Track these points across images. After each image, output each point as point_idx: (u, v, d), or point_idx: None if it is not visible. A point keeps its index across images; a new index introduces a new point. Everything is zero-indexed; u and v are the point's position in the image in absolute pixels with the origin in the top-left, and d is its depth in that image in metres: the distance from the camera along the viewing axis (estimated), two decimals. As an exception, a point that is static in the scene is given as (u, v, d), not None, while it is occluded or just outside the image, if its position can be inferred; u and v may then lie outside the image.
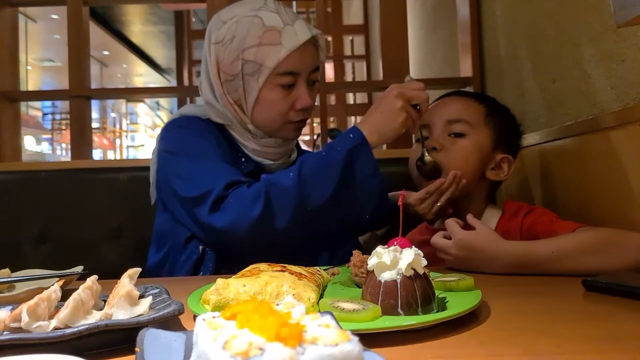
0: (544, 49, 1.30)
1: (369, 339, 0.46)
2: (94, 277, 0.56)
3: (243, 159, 1.06)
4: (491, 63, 1.65)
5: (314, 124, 5.10)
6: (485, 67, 1.69)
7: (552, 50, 1.25)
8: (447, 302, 0.58)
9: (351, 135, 0.92)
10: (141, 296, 0.59)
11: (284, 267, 0.66)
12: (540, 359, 0.44)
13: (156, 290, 0.60)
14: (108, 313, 0.50)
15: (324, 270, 0.79)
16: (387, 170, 1.55)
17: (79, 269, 0.83)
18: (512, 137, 1.12)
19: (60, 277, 0.76)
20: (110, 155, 12.79)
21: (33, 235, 1.34)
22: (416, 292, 0.53)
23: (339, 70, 4.96)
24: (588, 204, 1.08)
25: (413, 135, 1.23)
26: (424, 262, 0.56)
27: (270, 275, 0.62)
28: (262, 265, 0.67)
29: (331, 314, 0.46)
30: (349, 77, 5.56)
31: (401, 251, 0.56)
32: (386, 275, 0.55)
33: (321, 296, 0.65)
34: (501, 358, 0.45)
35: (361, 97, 4.79)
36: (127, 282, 0.54)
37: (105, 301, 0.56)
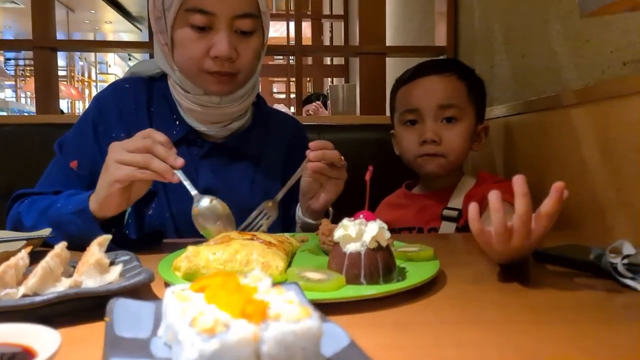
0: (516, 23, 1.31)
1: (333, 308, 0.49)
2: (63, 244, 0.57)
3: (177, 122, 1.01)
4: (465, 33, 1.66)
5: (290, 82, 5.03)
6: (459, 37, 1.70)
7: (524, 25, 1.27)
8: (407, 272, 0.62)
9: (80, 198, 0.84)
10: (111, 263, 0.60)
11: (254, 235, 0.68)
12: (486, 327, 0.48)
13: (126, 257, 0.62)
14: (77, 280, 0.52)
15: (293, 237, 0.81)
16: (360, 136, 1.58)
17: (46, 232, 0.83)
18: (484, 104, 1.17)
19: (26, 240, 0.76)
20: (79, 107, 12.30)
21: (-1, 190, 1.32)
22: (378, 263, 0.57)
23: (317, 30, 4.87)
24: (544, 178, 1.13)
25: (395, 115, 1.22)
26: (388, 234, 0.59)
27: (240, 243, 0.64)
28: (233, 233, 0.69)
29: (297, 284, 0.49)
30: (327, 38, 5.47)
31: (366, 224, 0.59)
32: (351, 247, 0.58)
33: (290, 264, 0.67)
34: (451, 325, 0.49)
35: (339, 59, 4.74)
36: (96, 250, 0.55)
37: (74, 267, 0.57)
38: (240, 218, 0.90)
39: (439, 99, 1.09)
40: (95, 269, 0.52)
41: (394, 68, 1.90)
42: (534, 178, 1.18)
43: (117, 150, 0.78)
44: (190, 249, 0.62)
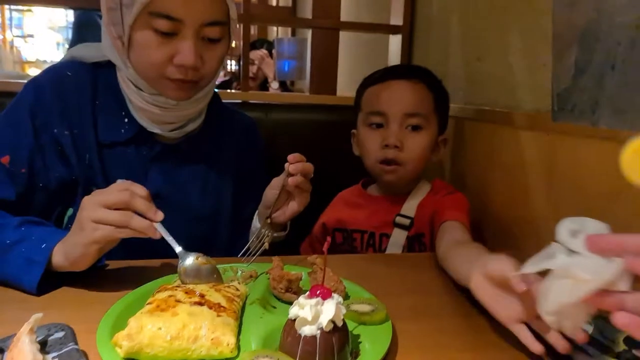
0: (474, 23, 1.28)
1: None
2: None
3: (126, 120, 0.93)
4: (422, 17, 1.60)
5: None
6: (415, 19, 1.63)
7: (481, 27, 1.23)
8: (360, 342, 0.62)
9: (43, 246, 0.75)
10: (43, 345, 0.55)
11: (203, 296, 0.65)
12: None
13: (60, 334, 0.57)
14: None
15: (240, 280, 0.78)
16: (309, 117, 1.53)
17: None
18: (447, 116, 1.19)
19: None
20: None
21: None
22: (333, 345, 0.56)
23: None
24: (489, 189, 1.16)
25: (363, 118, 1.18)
26: (343, 310, 0.58)
27: (187, 312, 0.60)
28: (179, 294, 0.65)
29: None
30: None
31: (323, 303, 0.57)
32: (306, 330, 0.56)
33: (240, 325, 0.65)
34: None
35: (285, 0, 4.46)
36: (27, 346, 0.49)
37: (3, 351, 0.52)
38: (189, 227, 0.86)
39: (406, 106, 1.10)
40: (27, 375, 0.47)
41: (346, 51, 1.82)
42: (481, 188, 1.22)
43: (92, 208, 0.71)
44: (133, 324, 0.58)
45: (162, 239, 0.75)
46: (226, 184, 1.04)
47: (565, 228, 0.46)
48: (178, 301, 0.63)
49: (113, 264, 0.89)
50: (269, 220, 0.88)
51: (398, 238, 1.12)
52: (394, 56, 1.66)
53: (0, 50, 6.89)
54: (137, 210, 0.71)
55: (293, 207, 0.90)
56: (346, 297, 0.75)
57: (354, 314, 0.66)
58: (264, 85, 3.40)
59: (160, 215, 0.72)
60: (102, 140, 0.93)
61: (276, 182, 0.90)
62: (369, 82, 1.18)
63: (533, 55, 1.02)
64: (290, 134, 1.47)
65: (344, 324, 0.58)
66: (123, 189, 0.72)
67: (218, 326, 0.59)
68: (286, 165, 0.84)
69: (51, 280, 0.75)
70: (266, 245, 0.86)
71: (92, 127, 0.92)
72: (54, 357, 0.52)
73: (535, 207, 0.99)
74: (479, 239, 1.17)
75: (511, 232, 1.06)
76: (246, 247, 0.86)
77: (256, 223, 0.97)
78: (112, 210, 0.71)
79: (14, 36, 7.52)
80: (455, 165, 1.35)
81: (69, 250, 0.73)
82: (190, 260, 0.76)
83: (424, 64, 1.55)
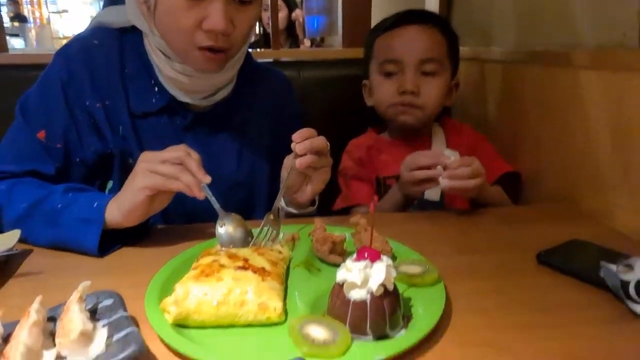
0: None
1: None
2: (39, 305, 0.51)
3: (156, 89, 0.90)
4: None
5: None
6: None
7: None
8: (412, 306, 0.59)
9: (95, 204, 0.77)
10: (93, 311, 0.55)
11: (247, 261, 0.63)
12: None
13: (109, 302, 0.56)
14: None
15: (283, 242, 0.76)
16: (343, 72, 1.46)
17: (13, 237, 0.76)
18: (458, 60, 1.18)
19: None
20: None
21: None
22: (385, 311, 0.53)
23: None
24: (543, 140, 1.08)
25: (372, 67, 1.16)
26: (394, 273, 0.55)
27: (232, 276, 0.59)
28: (222, 258, 0.63)
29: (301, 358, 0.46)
30: None
31: (371, 266, 0.54)
32: (355, 294, 0.53)
33: (286, 287, 0.63)
34: None
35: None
36: (77, 314, 0.49)
37: (54, 319, 0.52)
38: (226, 196, 0.84)
39: (421, 52, 1.08)
40: (79, 343, 0.47)
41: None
42: (534, 140, 1.12)
43: (149, 160, 0.76)
44: (179, 290, 0.57)
45: (202, 207, 0.77)
46: (262, 149, 1.01)
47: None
48: (222, 266, 0.61)
49: (156, 231, 0.89)
50: (271, 217, 0.78)
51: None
52: (432, 2, 1.55)
53: (37, 27, 7.00)
54: (189, 168, 0.74)
55: (313, 186, 0.84)
56: (393, 258, 0.71)
57: (404, 276, 0.63)
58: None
59: (208, 178, 0.75)
60: (134, 110, 0.91)
61: (287, 162, 0.85)
62: (380, 29, 1.15)
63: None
64: (324, 91, 1.42)
65: (395, 287, 0.55)
66: (180, 149, 0.76)
67: (264, 290, 0.58)
68: (292, 145, 0.77)
69: (109, 242, 0.77)
70: (275, 245, 0.74)
71: (123, 97, 0.90)
72: (104, 325, 0.52)
73: (599, 157, 0.91)
74: (533, 193, 1.10)
75: (572, 186, 0.99)
76: (251, 244, 0.75)
77: (281, 204, 0.91)
78: (167, 164, 0.74)
79: (50, 12, 7.60)
80: (504, 115, 1.26)
81: (121, 202, 0.76)
82: (228, 221, 0.77)
83: (468, 8, 1.45)
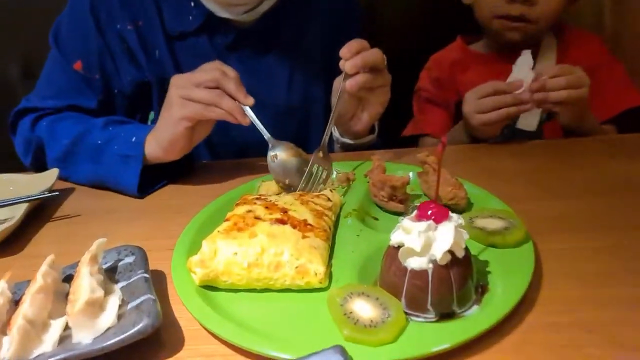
0: None
1: None
2: (51, 262, 0.45)
3: (192, 4, 0.80)
4: None
5: None
6: None
7: None
8: (489, 273, 0.46)
9: (133, 139, 0.72)
10: (114, 269, 0.49)
11: (286, 212, 0.53)
12: None
13: (131, 259, 0.50)
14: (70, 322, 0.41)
15: (335, 185, 0.65)
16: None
17: (51, 176, 0.72)
18: None
19: (27, 202, 0.66)
20: None
21: None
22: (452, 285, 0.41)
23: None
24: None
25: None
26: (465, 236, 0.42)
27: (267, 232, 0.49)
28: (259, 209, 0.54)
29: (341, 348, 0.36)
30: None
31: (436, 228, 0.42)
32: (413, 263, 0.42)
33: (334, 243, 0.53)
34: None
35: None
36: (86, 280, 0.43)
37: (70, 278, 0.47)
38: (278, 123, 0.76)
39: None
40: (85, 314, 0.41)
41: None
42: None
43: (182, 85, 0.67)
44: (205, 248, 0.49)
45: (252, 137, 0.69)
46: (318, 68, 0.89)
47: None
48: (257, 218, 0.52)
49: (202, 166, 0.83)
50: (320, 154, 0.66)
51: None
52: None
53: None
54: (227, 91, 0.66)
55: (369, 111, 0.74)
56: (468, 206, 0.58)
57: (480, 232, 0.50)
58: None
59: (250, 100, 0.67)
60: (170, 30, 0.83)
61: (336, 84, 0.73)
62: None
63: None
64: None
65: (467, 251, 0.43)
66: (214, 68, 0.67)
67: (303, 251, 0.48)
68: (341, 63, 0.66)
69: (149, 181, 0.73)
70: (324, 188, 0.64)
71: (157, 16, 0.82)
72: (121, 287, 0.46)
73: None
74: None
75: None
76: (301, 185, 0.65)
77: (335, 133, 0.82)
78: (202, 88, 0.66)
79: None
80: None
81: (160, 135, 0.70)
82: (280, 149, 0.69)
83: None
